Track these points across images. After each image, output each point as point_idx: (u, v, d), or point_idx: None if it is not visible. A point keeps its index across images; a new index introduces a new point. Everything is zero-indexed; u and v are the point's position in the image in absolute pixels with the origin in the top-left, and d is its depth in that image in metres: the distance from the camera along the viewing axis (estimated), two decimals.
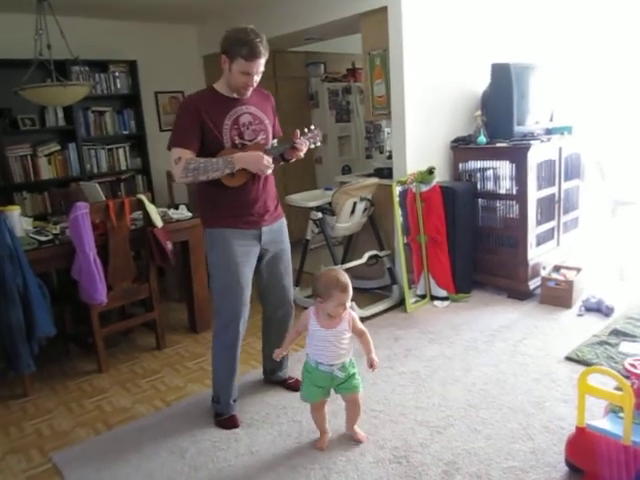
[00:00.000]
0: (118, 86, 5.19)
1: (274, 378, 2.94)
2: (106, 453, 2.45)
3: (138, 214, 3.43)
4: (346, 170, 6.09)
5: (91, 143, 5.09)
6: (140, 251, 3.57)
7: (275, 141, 2.67)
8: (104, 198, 3.72)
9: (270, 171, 2.48)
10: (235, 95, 2.45)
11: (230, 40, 2.33)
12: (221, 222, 2.50)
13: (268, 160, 2.41)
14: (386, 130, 5.96)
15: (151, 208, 3.37)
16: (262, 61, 2.35)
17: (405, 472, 2.18)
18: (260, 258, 2.64)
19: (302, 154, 2.56)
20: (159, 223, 3.38)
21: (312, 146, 2.61)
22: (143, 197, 3.38)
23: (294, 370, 2.92)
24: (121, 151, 5.29)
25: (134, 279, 3.42)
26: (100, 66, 5.05)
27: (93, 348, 3.31)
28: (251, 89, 2.45)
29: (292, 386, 2.86)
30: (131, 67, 5.22)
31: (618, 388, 1.97)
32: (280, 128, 2.71)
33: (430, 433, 2.42)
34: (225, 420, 2.61)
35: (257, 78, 2.40)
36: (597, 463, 1.95)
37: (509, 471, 2.14)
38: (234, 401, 2.67)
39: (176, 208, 3.85)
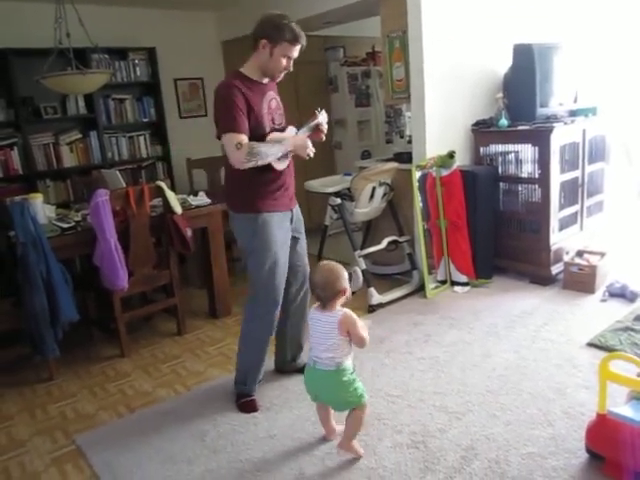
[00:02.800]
0: (138, 73, 5.22)
1: (296, 365, 2.91)
2: (128, 435, 2.51)
3: (158, 201, 3.46)
4: (366, 155, 6.03)
5: (112, 131, 5.15)
6: (161, 238, 3.61)
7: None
8: (124, 185, 3.76)
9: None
10: (264, 80, 2.48)
11: (271, 25, 2.36)
12: (264, 206, 2.48)
13: (310, 144, 2.49)
14: (407, 114, 5.87)
15: (170, 195, 3.39)
16: (300, 46, 2.43)
17: (423, 457, 2.18)
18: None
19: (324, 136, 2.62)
20: (178, 210, 3.40)
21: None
22: (162, 184, 3.40)
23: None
24: (142, 138, 5.33)
25: (155, 265, 3.46)
26: (119, 54, 5.08)
27: (115, 333, 3.37)
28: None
29: None
30: (150, 54, 5.25)
31: None
32: None
33: (449, 418, 2.41)
34: (245, 403, 2.64)
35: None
36: (618, 450, 1.92)
37: (528, 457, 2.12)
38: (259, 381, 2.73)
39: (195, 195, 3.87)
